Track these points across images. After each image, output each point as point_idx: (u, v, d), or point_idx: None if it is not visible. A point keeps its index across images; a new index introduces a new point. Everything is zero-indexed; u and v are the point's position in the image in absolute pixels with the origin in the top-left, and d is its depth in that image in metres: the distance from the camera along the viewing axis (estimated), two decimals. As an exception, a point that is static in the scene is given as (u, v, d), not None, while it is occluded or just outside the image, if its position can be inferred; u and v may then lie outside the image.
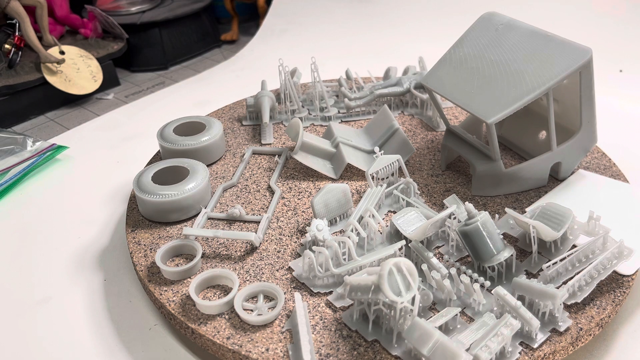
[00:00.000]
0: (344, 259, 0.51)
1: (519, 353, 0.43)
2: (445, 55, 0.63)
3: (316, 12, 1.36)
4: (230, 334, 0.46)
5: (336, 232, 0.57)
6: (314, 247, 0.50)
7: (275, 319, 0.47)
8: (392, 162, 0.62)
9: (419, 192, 0.62)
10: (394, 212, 0.59)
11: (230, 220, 0.59)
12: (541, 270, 0.50)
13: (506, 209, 0.51)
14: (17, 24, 0.97)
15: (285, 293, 0.50)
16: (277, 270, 0.52)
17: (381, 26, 1.28)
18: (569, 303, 0.46)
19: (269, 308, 0.48)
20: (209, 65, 1.19)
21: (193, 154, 0.67)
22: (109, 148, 0.86)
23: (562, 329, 0.45)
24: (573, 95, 0.60)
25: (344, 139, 0.68)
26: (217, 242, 0.56)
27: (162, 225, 0.59)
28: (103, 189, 0.74)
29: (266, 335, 0.46)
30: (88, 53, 1.05)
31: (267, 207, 0.61)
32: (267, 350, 0.45)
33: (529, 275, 0.51)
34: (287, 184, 0.65)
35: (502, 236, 0.50)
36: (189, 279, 0.52)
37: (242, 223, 0.59)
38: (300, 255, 0.54)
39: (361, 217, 0.56)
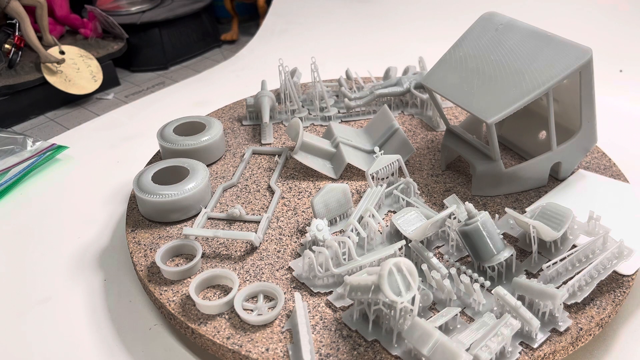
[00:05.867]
0: (344, 259, 0.51)
1: (519, 353, 0.43)
2: (445, 55, 0.63)
3: (316, 12, 1.36)
4: (230, 334, 0.46)
5: (336, 232, 0.57)
6: (314, 247, 0.50)
7: (275, 319, 0.47)
8: (392, 162, 0.62)
9: (419, 192, 0.62)
10: (394, 212, 0.59)
11: (230, 220, 0.59)
12: (541, 270, 0.50)
13: (506, 209, 0.51)
14: (17, 24, 0.97)
15: (285, 293, 0.50)
16: (277, 270, 0.52)
17: (381, 26, 1.28)
18: (569, 303, 0.46)
19: (269, 308, 0.48)
20: (209, 65, 1.19)
21: (193, 154, 0.67)
22: (109, 148, 0.86)
23: (562, 329, 0.45)
24: (573, 95, 0.60)
25: (344, 139, 0.68)
26: (217, 242, 0.56)
27: (162, 225, 0.59)
28: (103, 189, 0.74)
29: (266, 335, 0.46)
30: (88, 53, 1.05)
31: (267, 207, 0.61)
32: (267, 350, 0.45)
33: (529, 275, 0.51)
34: (287, 184, 0.65)
35: (502, 236, 0.50)
36: (189, 279, 0.52)
37: (242, 223, 0.59)
38: (300, 255, 0.54)
39: (361, 217, 0.55)
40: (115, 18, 1.13)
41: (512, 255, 0.49)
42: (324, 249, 0.49)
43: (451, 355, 0.39)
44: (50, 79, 0.98)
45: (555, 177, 0.63)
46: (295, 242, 0.56)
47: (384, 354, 0.44)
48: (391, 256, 0.50)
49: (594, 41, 0.72)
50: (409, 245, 0.52)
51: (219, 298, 0.50)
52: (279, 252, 0.55)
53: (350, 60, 1.12)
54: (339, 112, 0.80)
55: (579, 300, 0.45)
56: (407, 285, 0.41)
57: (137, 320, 0.54)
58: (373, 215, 0.54)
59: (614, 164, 0.66)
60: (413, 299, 0.43)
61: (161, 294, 0.50)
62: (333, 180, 0.65)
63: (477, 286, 0.46)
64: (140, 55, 1.18)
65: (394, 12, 1.32)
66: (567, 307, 0.47)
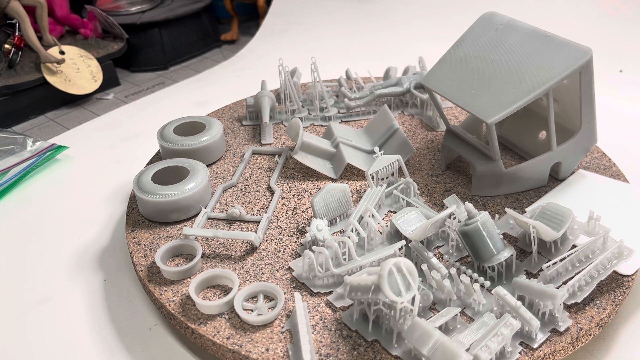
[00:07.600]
0: (344, 259, 0.51)
1: (519, 353, 0.43)
2: (445, 55, 0.63)
3: (316, 12, 1.36)
4: (230, 334, 0.46)
5: (336, 232, 0.57)
6: (314, 247, 0.50)
7: (275, 319, 0.47)
8: (392, 162, 0.62)
9: (419, 192, 0.62)
10: (394, 212, 0.59)
11: (230, 220, 0.59)
12: (541, 270, 0.50)
13: (506, 209, 0.51)
14: (17, 24, 0.97)
15: (285, 293, 0.50)
16: (277, 270, 0.52)
17: (381, 26, 1.28)
18: (569, 303, 0.46)
19: (269, 308, 0.48)
20: (209, 65, 1.19)
21: (193, 154, 0.67)
22: (109, 148, 0.86)
23: (562, 329, 0.45)
24: (573, 95, 0.60)
25: (344, 139, 0.68)
26: (217, 242, 0.56)
27: (162, 225, 0.59)
28: (103, 189, 0.74)
29: (266, 335, 0.46)
30: (88, 53, 1.05)
31: (267, 207, 0.61)
32: (267, 350, 0.45)
33: (529, 275, 0.51)
34: (287, 184, 0.65)
35: (502, 236, 0.50)
36: (189, 279, 0.52)
37: (242, 223, 0.59)
38: (300, 255, 0.54)
39: (361, 217, 0.55)
40: (115, 18, 1.13)
41: (512, 255, 0.49)
42: (324, 249, 0.49)
43: (451, 355, 0.39)
44: (50, 79, 0.98)
45: (555, 177, 0.63)
46: (295, 242, 0.56)
47: (384, 354, 0.44)
48: (391, 256, 0.50)
49: (594, 41, 0.72)
50: (409, 245, 0.52)
51: (219, 298, 0.50)
52: (279, 252, 0.55)
53: (350, 60, 1.12)
54: (339, 112, 0.80)
55: (579, 300, 0.45)
56: (407, 285, 0.41)
57: (137, 320, 0.54)
58: (373, 215, 0.54)
59: (614, 164, 0.66)
60: (413, 299, 0.43)
61: (161, 294, 0.50)
62: (333, 180, 0.65)
63: (477, 286, 0.46)
64: (140, 55, 1.18)
65: (394, 12, 1.32)
66: (567, 307, 0.47)
